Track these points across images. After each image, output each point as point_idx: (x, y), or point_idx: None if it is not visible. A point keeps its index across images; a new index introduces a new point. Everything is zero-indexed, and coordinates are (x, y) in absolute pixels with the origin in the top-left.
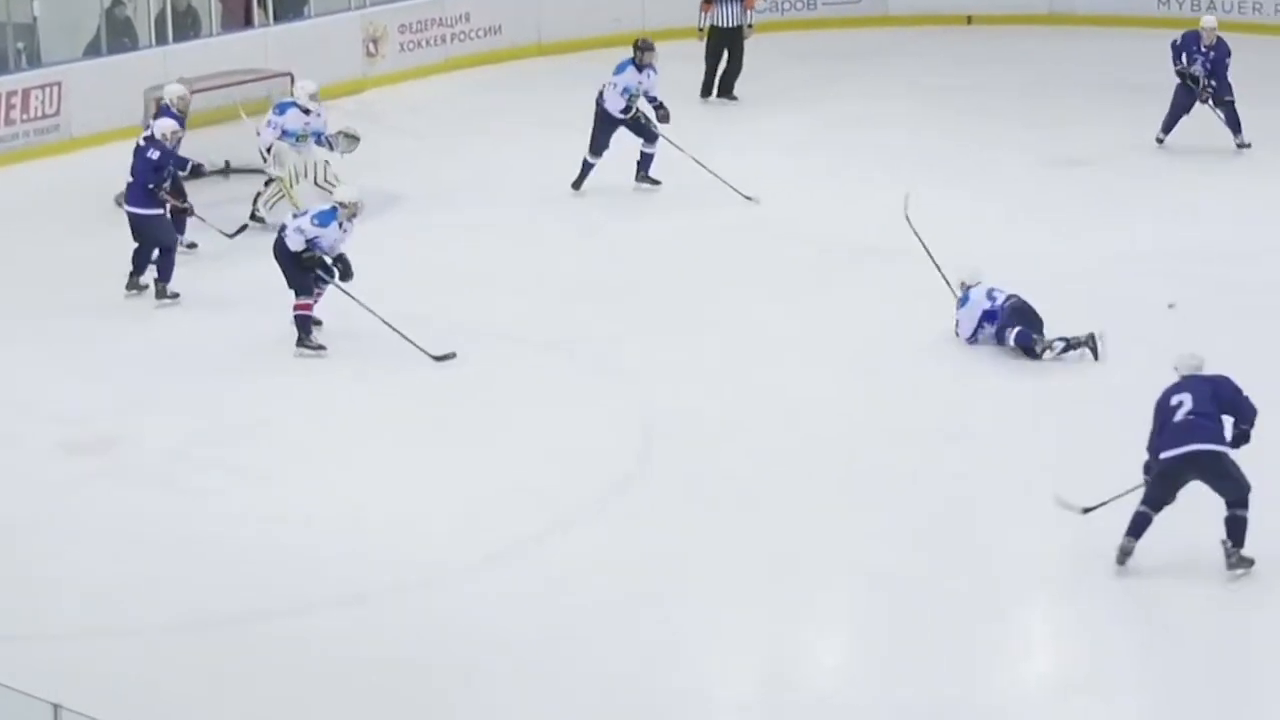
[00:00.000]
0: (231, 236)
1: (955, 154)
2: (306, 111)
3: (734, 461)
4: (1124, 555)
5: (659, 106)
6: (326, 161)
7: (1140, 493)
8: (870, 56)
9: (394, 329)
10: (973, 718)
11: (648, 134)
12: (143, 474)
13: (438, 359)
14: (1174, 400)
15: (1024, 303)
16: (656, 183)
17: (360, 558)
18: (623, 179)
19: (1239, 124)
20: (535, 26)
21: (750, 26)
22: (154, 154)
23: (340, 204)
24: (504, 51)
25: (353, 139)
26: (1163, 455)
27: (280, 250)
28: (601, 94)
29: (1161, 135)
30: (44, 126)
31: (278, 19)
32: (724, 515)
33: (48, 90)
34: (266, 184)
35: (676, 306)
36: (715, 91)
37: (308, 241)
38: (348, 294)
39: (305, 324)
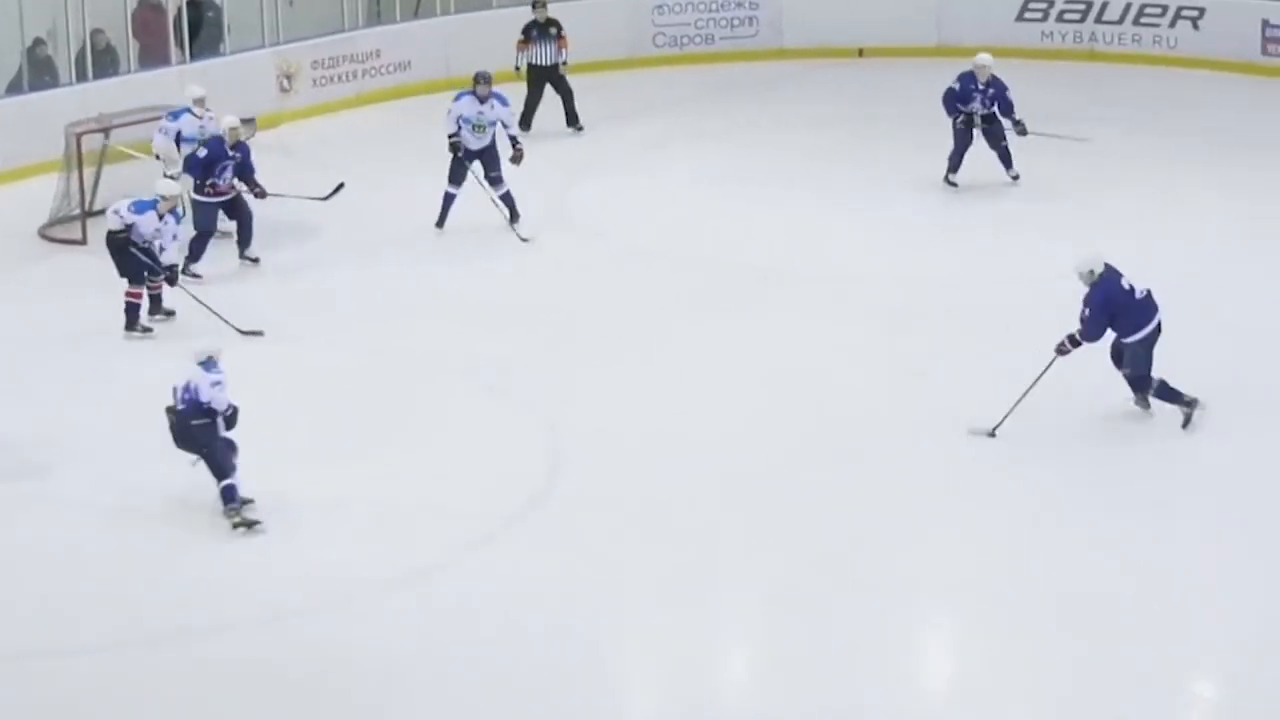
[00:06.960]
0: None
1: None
2: (199, 116)
3: (647, 484)
4: None
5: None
6: None
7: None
8: (764, 88)
9: (209, 308)
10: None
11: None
12: (73, 499)
13: (244, 334)
14: None
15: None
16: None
17: (273, 575)
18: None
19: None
20: (443, 62)
21: (564, 64)
22: None
23: (160, 196)
24: (413, 86)
25: (249, 123)
26: None
27: (107, 235)
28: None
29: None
30: None
31: (194, 57)
32: (633, 537)
33: None
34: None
35: (590, 330)
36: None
37: (125, 226)
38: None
39: (131, 311)
